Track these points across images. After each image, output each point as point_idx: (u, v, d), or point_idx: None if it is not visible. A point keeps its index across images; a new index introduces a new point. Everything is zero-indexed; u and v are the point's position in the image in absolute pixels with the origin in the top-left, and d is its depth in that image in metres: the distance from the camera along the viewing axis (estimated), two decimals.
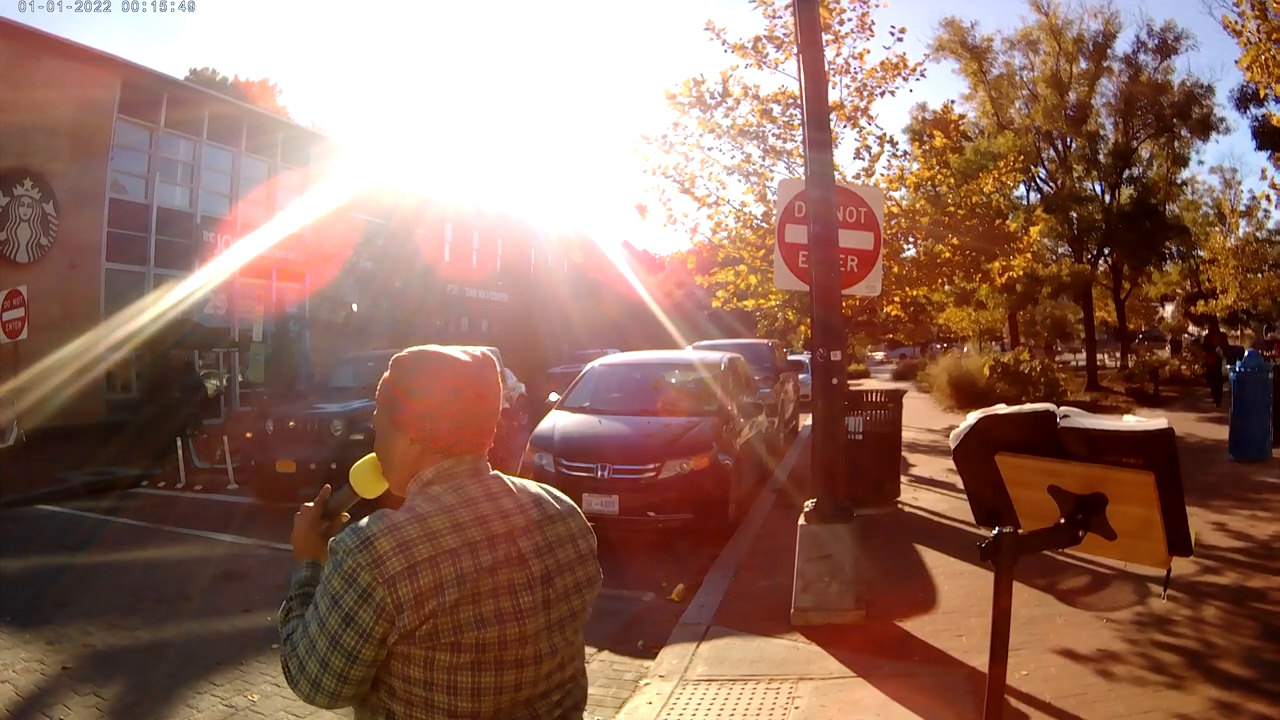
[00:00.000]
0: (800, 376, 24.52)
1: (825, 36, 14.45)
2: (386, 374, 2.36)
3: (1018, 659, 6.41)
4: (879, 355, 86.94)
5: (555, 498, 2.48)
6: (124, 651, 8.10)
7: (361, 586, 2.06)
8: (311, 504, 2.64)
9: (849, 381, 17.89)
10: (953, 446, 3.22)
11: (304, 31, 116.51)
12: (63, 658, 7.83)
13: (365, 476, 2.57)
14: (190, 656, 7.86)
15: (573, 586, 2.37)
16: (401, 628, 2.06)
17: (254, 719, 6.54)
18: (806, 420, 20.34)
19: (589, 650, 7.55)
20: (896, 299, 19.46)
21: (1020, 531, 3.04)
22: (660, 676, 6.92)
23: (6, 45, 22.61)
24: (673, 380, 13.85)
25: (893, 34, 17.77)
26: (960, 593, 8.65)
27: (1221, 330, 30.14)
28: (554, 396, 14.07)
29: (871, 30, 17.29)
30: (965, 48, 41.00)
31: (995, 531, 2.90)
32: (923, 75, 18.08)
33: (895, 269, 18.20)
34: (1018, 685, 6.12)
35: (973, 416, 3.15)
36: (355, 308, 33.05)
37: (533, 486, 2.45)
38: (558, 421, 12.59)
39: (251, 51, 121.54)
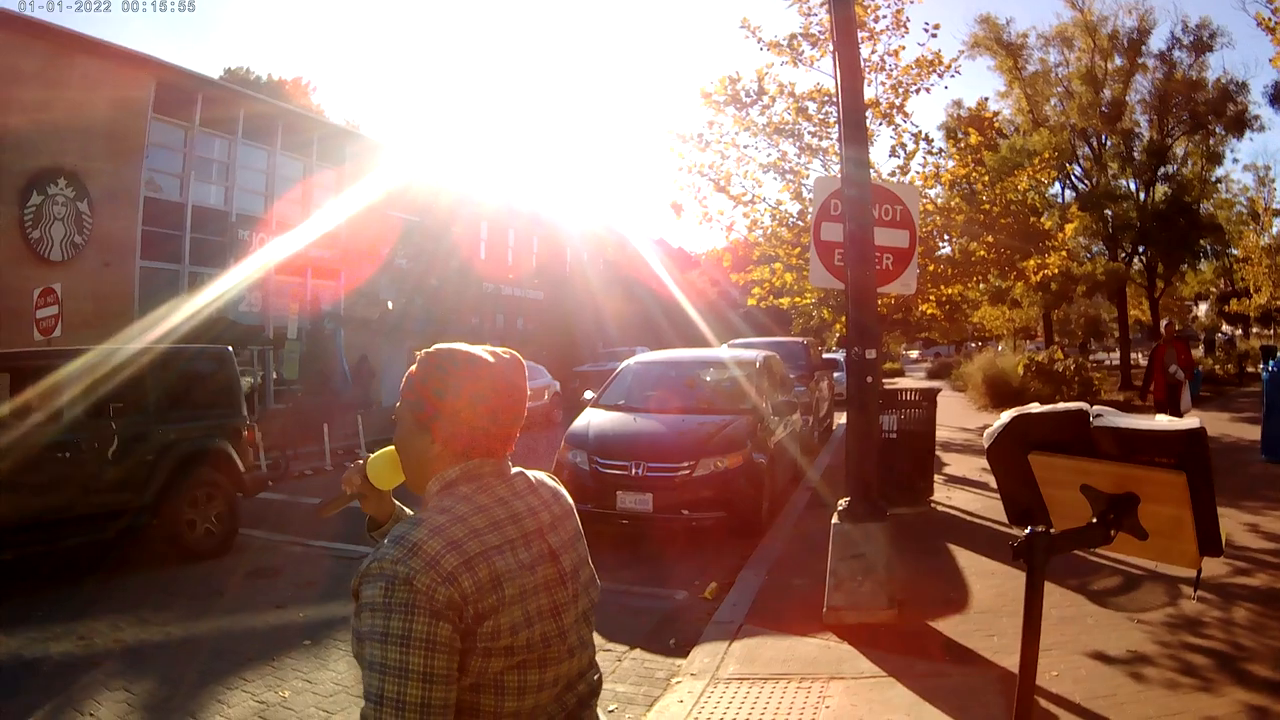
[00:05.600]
0: (835, 375, 24.53)
1: (860, 34, 14.41)
2: (413, 368, 2.33)
3: (1049, 660, 6.39)
4: (914, 354, 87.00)
5: (564, 491, 2.49)
6: (155, 647, 8.16)
7: (420, 590, 1.95)
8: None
9: (884, 380, 17.82)
10: (986, 445, 3.21)
11: (338, 30, 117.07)
12: (93, 654, 7.91)
13: (382, 468, 2.55)
14: (221, 653, 7.91)
15: (589, 579, 2.39)
16: (467, 621, 1.99)
17: (285, 715, 6.56)
18: (841, 419, 20.31)
19: (621, 649, 7.60)
20: (932, 297, 19.39)
21: (1052, 531, 3.04)
22: (692, 675, 6.93)
23: (41, 46, 22.90)
24: (707, 378, 13.86)
25: (927, 30, 17.73)
26: (992, 592, 8.63)
27: (1181, 335, 22.16)
28: (589, 394, 14.10)
29: (906, 27, 17.30)
30: (1000, 44, 40.91)
31: (1028, 531, 2.90)
32: (957, 72, 18.03)
33: (931, 267, 18.16)
34: (1048, 686, 6.10)
35: (1006, 415, 3.14)
36: (390, 305, 33.18)
37: (548, 479, 2.46)
38: (592, 419, 12.61)
39: (286, 50, 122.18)
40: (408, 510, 2.66)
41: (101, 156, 24.53)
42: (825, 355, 28.75)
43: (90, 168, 24.21)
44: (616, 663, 7.39)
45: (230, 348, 12.83)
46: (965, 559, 10.01)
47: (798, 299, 21.13)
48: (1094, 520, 2.85)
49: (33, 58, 22.69)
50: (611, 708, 6.43)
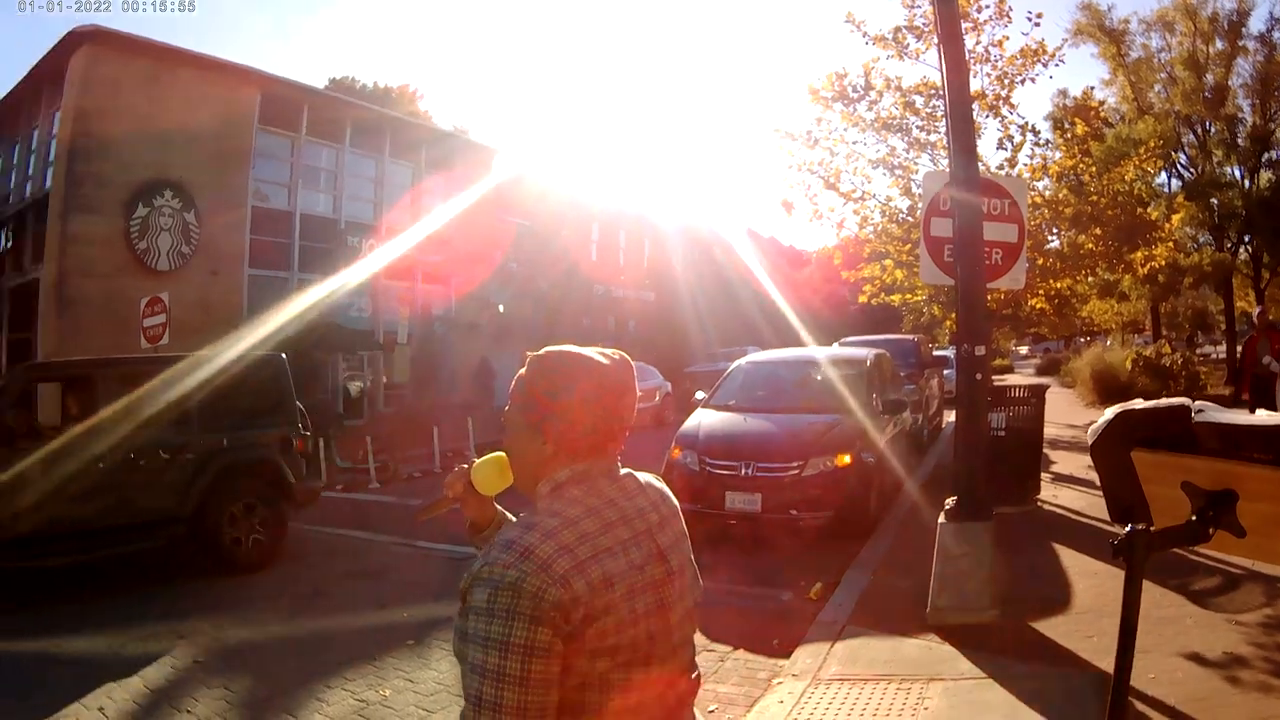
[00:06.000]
0: (945, 372, 24.26)
1: (964, 25, 14.30)
2: (523, 371, 2.35)
3: (1146, 661, 6.29)
4: (1023, 349, 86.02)
5: (669, 493, 2.51)
6: (256, 646, 8.32)
7: (527, 594, 1.97)
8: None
9: (993, 377, 17.56)
10: (1090, 442, 3.18)
11: (444, 37, 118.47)
12: (194, 651, 8.09)
13: (487, 474, 2.57)
14: (322, 651, 8.04)
15: (693, 578, 2.40)
16: (574, 623, 2.01)
17: (385, 714, 6.63)
18: (950, 417, 20.14)
19: (725, 649, 7.61)
20: (1041, 292, 19.10)
21: (1152, 529, 3.02)
22: (793, 675, 6.93)
23: (143, 61, 23.68)
24: (817, 377, 13.81)
25: (1030, 19, 17.51)
26: (1093, 592, 8.52)
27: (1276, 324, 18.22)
28: (700, 394, 14.15)
29: (1009, 17, 17.10)
30: (1103, 31, 40.52)
31: (1128, 529, 2.88)
32: (1061, 61, 17.77)
33: (1039, 261, 17.93)
34: (1144, 688, 6.03)
35: (1110, 412, 3.11)
36: (501, 309, 33.37)
37: (656, 481, 2.48)
38: (703, 419, 12.67)
39: (392, 58, 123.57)
40: (510, 515, 2.68)
41: (207, 168, 25.12)
42: (936, 352, 28.55)
43: (196, 179, 24.83)
44: (719, 663, 7.39)
45: (284, 355, 12.64)
46: (1069, 558, 9.89)
47: (908, 296, 21.05)
48: (1193, 517, 2.83)
49: (135, 73, 23.45)
50: (712, 708, 6.45)
